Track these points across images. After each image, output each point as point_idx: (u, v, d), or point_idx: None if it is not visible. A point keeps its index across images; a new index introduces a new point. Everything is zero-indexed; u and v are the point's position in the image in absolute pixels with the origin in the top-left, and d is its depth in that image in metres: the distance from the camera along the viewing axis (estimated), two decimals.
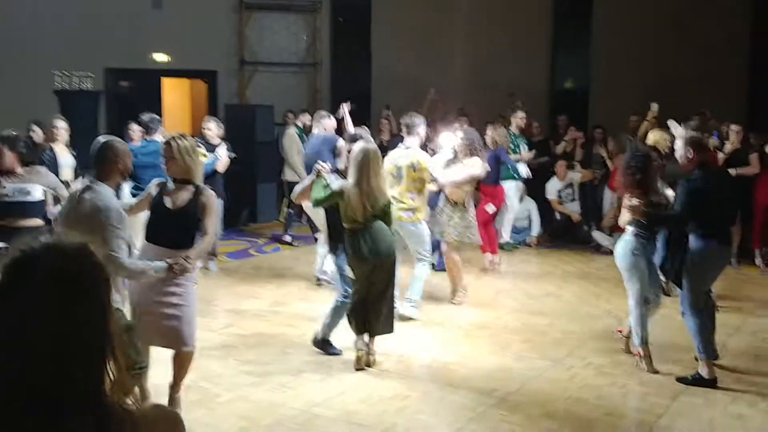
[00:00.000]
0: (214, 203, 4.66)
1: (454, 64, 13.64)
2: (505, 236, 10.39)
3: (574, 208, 10.84)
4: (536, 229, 10.75)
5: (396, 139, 9.05)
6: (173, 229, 4.54)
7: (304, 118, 10.97)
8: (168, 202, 4.60)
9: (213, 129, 8.40)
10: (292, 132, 10.78)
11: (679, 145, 5.70)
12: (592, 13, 14.27)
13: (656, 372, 5.63)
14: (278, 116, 12.36)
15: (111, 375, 1.33)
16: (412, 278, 7.06)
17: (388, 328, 5.76)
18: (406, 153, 6.97)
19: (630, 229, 5.68)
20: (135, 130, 8.59)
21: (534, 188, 10.71)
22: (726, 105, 12.11)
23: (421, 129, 7.12)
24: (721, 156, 9.32)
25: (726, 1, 13.82)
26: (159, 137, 8.14)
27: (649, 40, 13.79)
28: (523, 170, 10.26)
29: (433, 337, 6.59)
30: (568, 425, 4.82)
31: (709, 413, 5.01)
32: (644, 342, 5.69)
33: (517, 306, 7.63)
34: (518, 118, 10.65)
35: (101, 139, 4.49)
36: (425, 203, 7.11)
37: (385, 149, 8.65)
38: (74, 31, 12.18)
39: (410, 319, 6.84)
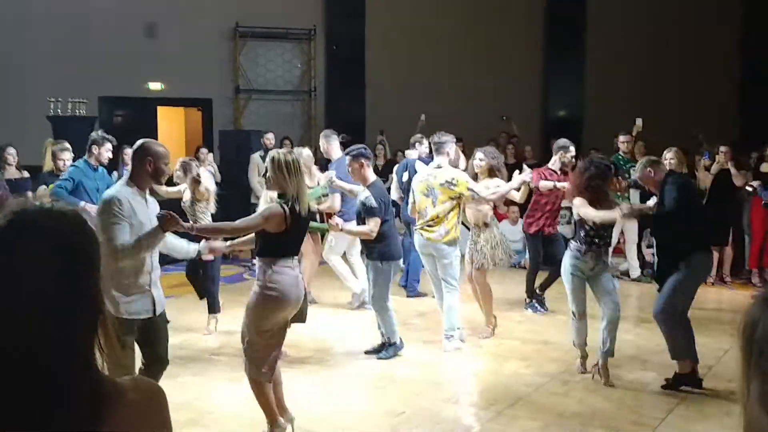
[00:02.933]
0: (269, 209, 4.49)
1: (447, 89, 13.75)
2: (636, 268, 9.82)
3: (566, 231, 10.83)
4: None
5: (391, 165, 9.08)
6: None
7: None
8: None
9: (67, 160, 7.50)
10: (255, 156, 10.93)
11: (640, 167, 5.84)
12: (585, 36, 14.50)
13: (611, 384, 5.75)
14: (276, 144, 12.39)
15: (102, 345, 1.31)
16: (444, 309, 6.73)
17: None
18: (439, 172, 6.62)
19: (571, 245, 5.86)
20: (129, 153, 8.38)
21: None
22: (718, 124, 12.29)
23: (450, 147, 6.80)
24: (709, 175, 9.38)
25: (717, 23, 14.08)
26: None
27: (642, 63, 14.00)
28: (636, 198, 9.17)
29: (427, 357, 6.56)
30: None
31: (703, 426, 5.00)
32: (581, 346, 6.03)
33: (511, 326, 7.58)
34: (621, 142, 9.49)
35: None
36: (458, 224, 6.66)
37: (379, 174, 8.71)
38: (68, 61, 12.26)
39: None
